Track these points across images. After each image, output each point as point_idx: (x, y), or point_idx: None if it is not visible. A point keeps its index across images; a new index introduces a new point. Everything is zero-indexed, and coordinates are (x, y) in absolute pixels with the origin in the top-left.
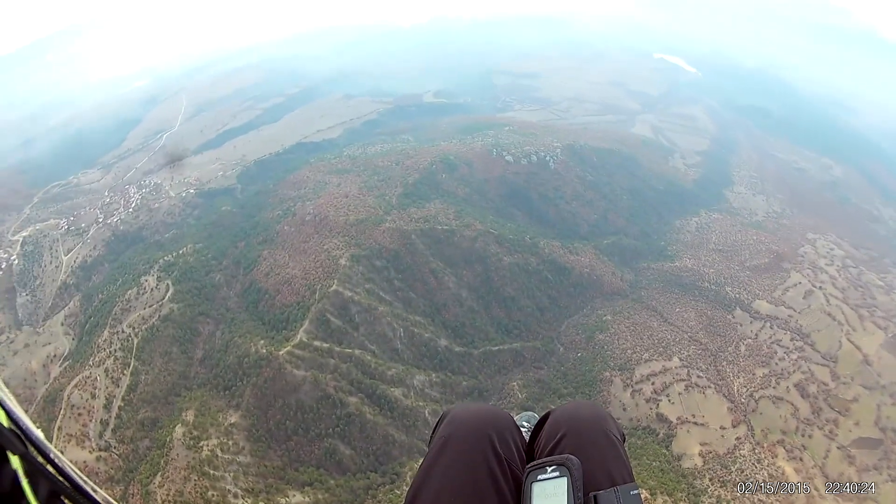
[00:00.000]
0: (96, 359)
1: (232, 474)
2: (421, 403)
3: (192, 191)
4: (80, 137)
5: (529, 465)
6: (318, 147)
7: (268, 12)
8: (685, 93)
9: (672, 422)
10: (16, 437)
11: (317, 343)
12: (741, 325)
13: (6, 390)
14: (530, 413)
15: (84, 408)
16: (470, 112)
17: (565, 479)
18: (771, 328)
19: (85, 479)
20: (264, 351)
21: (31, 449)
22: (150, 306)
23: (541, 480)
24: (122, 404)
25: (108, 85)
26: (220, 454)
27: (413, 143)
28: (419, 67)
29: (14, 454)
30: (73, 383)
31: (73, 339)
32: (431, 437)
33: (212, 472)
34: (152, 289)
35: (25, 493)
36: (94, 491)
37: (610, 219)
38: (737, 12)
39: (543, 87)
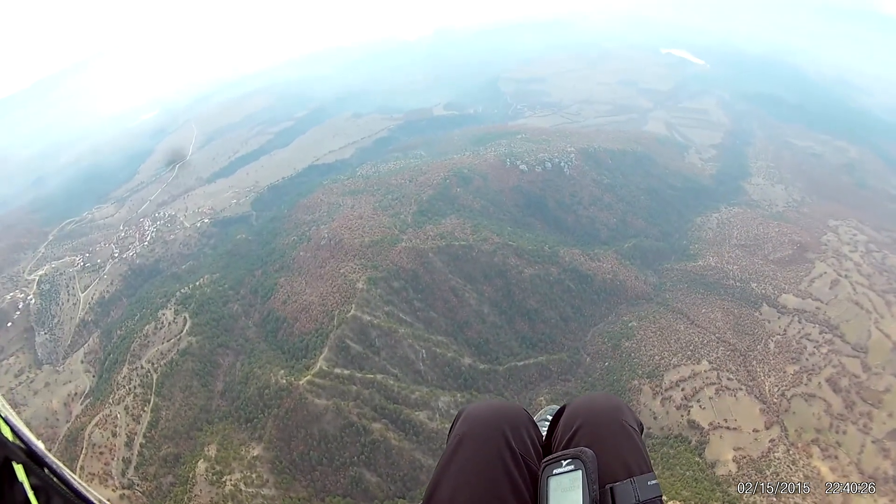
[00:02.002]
0: (116, 396)
1: None
2: (447, 426)
3: (206, 220)
4: (92, 173)
5: (545, 460)
6: (331, 168)
7: (272, 37)
8: (695, 86)
9: (704, 428)
10: (20, 450)
11: (337, 370)
12: (769, 322)
13: (8, 407)
14: (552, 407)
15: (106, 446)
16: (481, 122)
17: (580, 471)
18: (799, 322)
19: (88, 488)
20: (284, 381)
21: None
22: (168, 340)
23: (556, 474)
24: (144, 441)
25: (117, 118)
26: (243, 488)
27: (426, 157)
28: (426, 81)
29: (18, 463)
30: (93, 422)
31: (94, 376)
32: (448, 436)
33: None
34: (170, 322)
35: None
36: (99, 501)
37: (629, 221)
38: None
39: (553, 92)
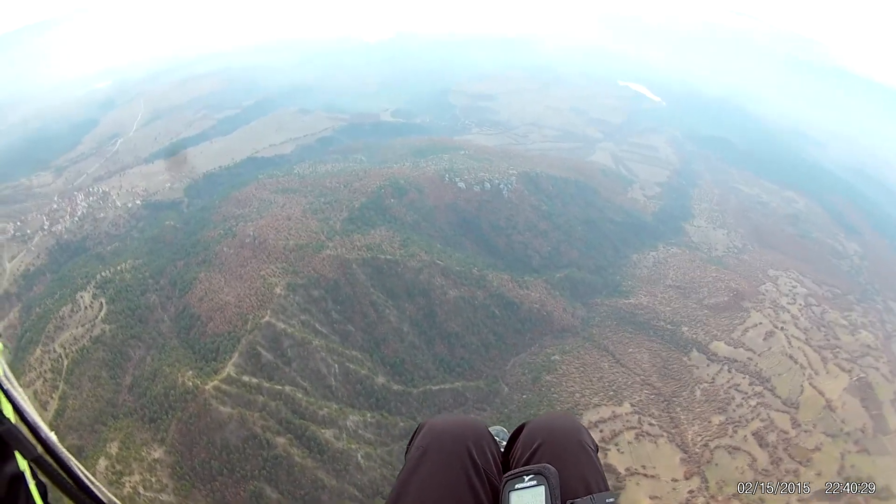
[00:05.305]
0: (27, 379)
1: None
2: (353, 446)
3: (138, 202)
4: (37, 137)
5: (507, 474)
6: (269, 162)
7: (234, 20)
8: (647, 122)
9: (620, 473)
10: (29, 441)
11: (245, 378)
12: (697, 368)
13: (21, 391)
14: (499, 427)
15: None
16: (426, 133)
17: (543, 487)
18: (729, 372)
19: (92, 479)
20: (191, 383)
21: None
22: (82, 325)
23: (518, 489)
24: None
25: (71, 84)
26: (142, 492)
27: (365, 163)
28: (378, 84)
29: (25, 458)
30: None
31: (10, 353)
32: (408, 448)
33: None
34: (87, 306)
35: (32, 496)
36: (101, 492)
37: (563, 251)
38: (704, 42)
39: (502, 110)
